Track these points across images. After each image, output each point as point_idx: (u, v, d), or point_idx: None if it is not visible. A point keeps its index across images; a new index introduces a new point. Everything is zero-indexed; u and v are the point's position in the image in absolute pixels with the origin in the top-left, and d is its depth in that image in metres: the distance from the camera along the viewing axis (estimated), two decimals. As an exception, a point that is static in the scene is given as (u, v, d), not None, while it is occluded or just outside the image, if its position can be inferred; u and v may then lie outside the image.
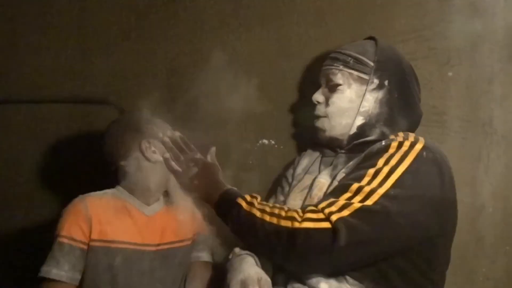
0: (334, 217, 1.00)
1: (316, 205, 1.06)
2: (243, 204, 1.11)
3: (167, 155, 1.19)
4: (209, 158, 1.25)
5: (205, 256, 1.39)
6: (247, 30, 1.54)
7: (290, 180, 1.36)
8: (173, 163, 1.19)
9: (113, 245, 1.25)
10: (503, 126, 1.36)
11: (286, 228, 1.03)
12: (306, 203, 1.20)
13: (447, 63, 1.37)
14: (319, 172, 1.26)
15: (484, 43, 1.35)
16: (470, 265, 1.44)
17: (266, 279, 1.07)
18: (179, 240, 1.34)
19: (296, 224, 1.02)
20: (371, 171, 1.06)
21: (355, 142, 1.20)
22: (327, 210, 1.02)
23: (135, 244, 1.28)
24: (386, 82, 1.19)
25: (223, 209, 1.14)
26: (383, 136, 1.18)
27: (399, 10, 1.40)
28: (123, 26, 1.65)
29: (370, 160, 1.11)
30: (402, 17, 1.40)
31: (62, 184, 1.70)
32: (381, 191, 1.02)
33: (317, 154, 1.35)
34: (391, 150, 1.09)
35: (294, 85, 1.51)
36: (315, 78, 1.48)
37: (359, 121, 1.20)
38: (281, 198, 1.34)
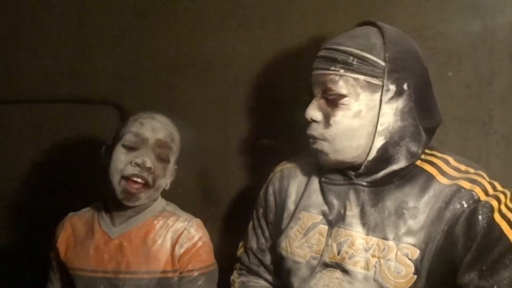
0: None
1: None
2: None
3: None
4: None
5: None
6: (247, 30, 1.54)
7: (271, 217, 1.15)
8: None
9: (76, 272, 1.21)
10: (503, 126, 1.35)
11: None
12: (330, 259, 0.99)
13: (447, 63, 1.36)
14: (330, 208, 1.02)
15: (484, 43, 1.35)
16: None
17: None
18: (145, 271, 1.17)
19: None
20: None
21: (383, 173, 0.97)
22: None
23: (91, 270, 1.19)
24: (405, 86, 0.94)
25: None
26: (413, 157, 0.97)
27: (399, 10, 1.40)
28: (123, 26, 1.65)
29: (493, 248, 0.86)
30: (402, 17, 1.39)
31: (62, 184, 1.70)
32: None
33: (304, 178, 1.11)
34: (500, 218, 0.89)
35: (294, 85, 1.51)
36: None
37: (379, 142, 0.95)
38: (262, 240, 1.15)
